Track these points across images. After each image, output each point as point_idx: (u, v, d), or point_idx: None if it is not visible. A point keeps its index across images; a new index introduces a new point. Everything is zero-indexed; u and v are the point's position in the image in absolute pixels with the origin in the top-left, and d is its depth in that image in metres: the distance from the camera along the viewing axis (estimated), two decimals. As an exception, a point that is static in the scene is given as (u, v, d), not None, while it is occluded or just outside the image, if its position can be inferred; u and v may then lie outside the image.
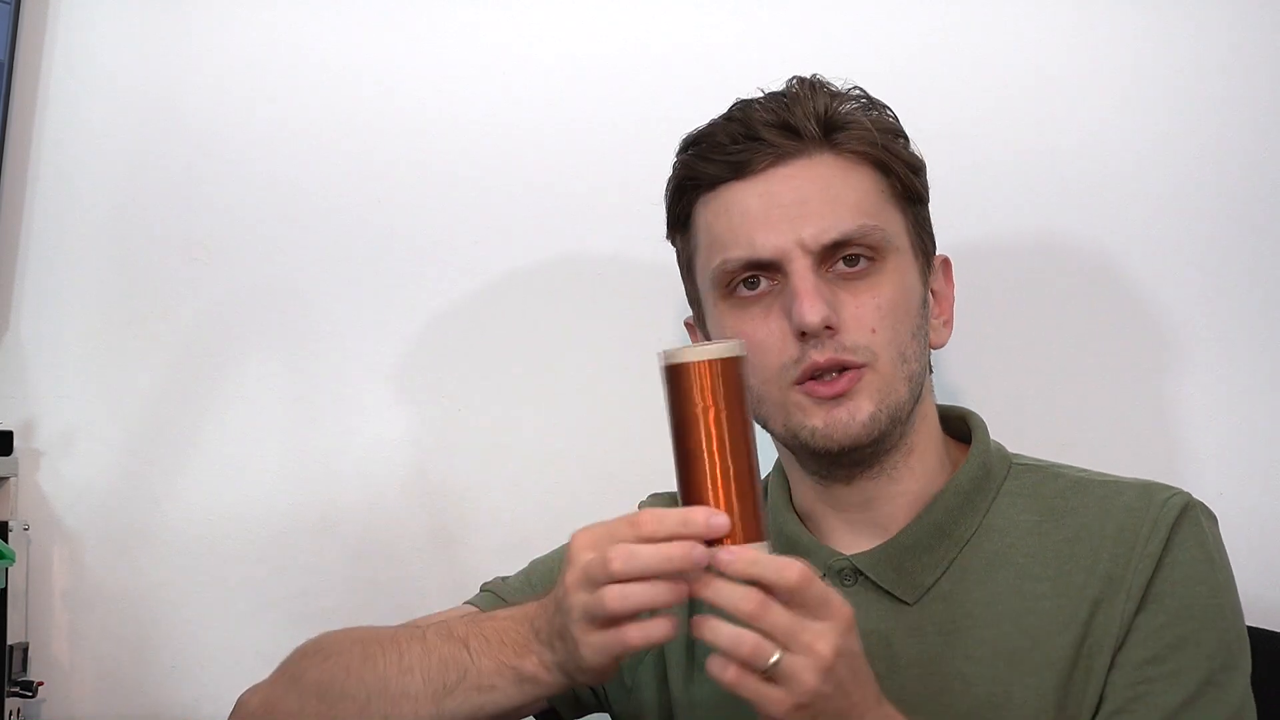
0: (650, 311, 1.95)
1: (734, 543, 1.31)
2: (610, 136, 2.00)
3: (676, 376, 1.34)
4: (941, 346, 1.58)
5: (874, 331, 1.49)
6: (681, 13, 2.00)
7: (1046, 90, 1.93)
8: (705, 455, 1.33)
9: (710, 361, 1.33)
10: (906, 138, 1.56)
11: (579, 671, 1.34)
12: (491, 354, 2.01)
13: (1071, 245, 1.92)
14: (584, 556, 1.32)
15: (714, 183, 1.53)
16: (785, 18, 1.98)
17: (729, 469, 1.33)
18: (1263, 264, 1.90)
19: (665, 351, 1.34)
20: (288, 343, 2.04)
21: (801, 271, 1.48)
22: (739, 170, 1.51)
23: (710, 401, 1.33)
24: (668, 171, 1.61)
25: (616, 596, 1.29)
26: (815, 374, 1.48)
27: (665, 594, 1.29)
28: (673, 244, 1.61)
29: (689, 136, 1.57)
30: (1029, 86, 1.93)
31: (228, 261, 2.05)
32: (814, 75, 1.54)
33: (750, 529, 1.32)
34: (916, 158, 1.56)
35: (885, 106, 1.56)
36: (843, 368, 1.48)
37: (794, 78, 1.55)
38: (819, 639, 1.28)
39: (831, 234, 1.49)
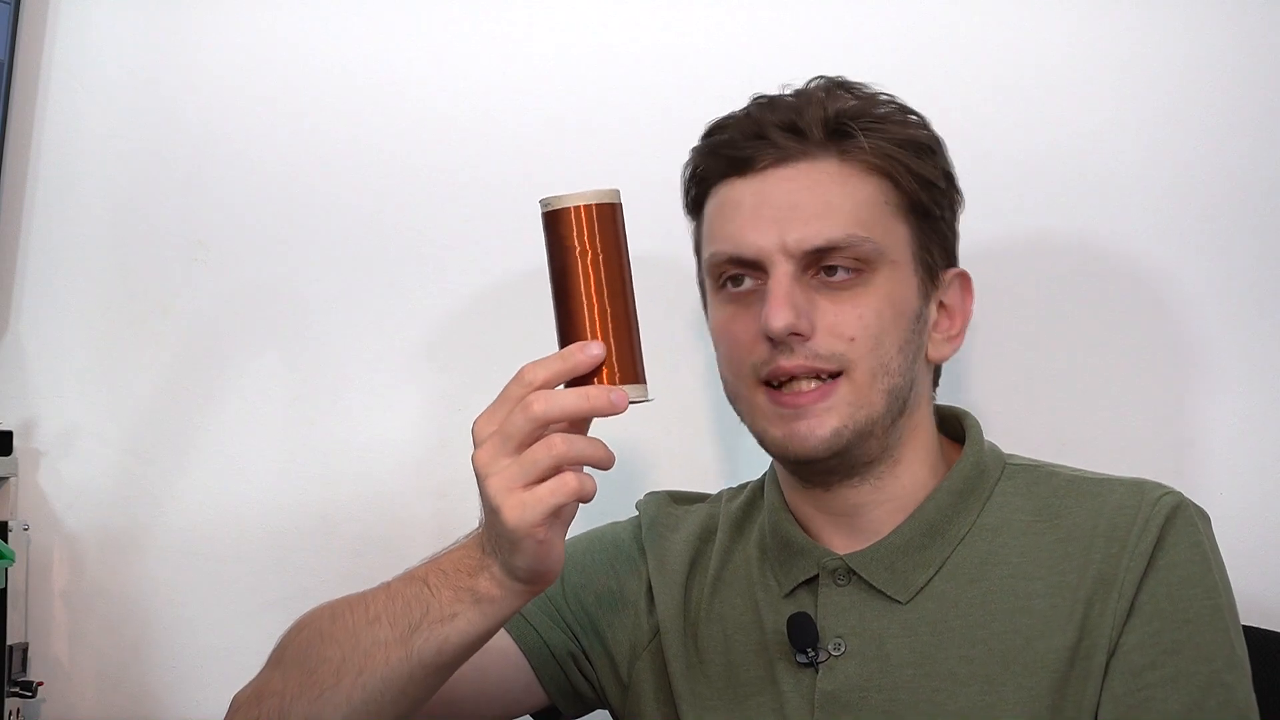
0: (651, 312, 1.95)
1: (612, 383, 1.33)
2: (613, 137, 2.00)
3: (555, 222, 1.35)
4: (942, 361, 1.57)
5: (852, 340, 1.48)
6: (687, 12, 1.99)
7: (1051, 83, 1.92)
8: (583, 298, 1.34)
9: (587, 206, 1.34)
10: (935, 150, 1.54)
11: (514, 559, 1.33)
12: (492, 354, 2.01)
13: (1072, 243, 1.92)
14: (484, 431, 1.32)
15: (721, 176, 1.54)
16: (784, 17, 1.97)
17: (606, 311, 1.34)
18: (1267, 261, 1.89)
19: (543, 199, 1.35)
20: (287, 342, 2.05)
21: (779, 275, 1.48)
22: (741, 166, 1.52)
23: (588, 245, 1.34)
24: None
25: (560, 442, 1.30)
26: (781, 379, 1.49)
27: (602, 451, 1.32)
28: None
29: (710, 124, 1.57)
30: (1033, 80, 1.92)
31: (228, 261, 2.05)
32: (839, 76, 1.54)
33: (628, 371, 1.34)
34: (936, 172, 1.54)
35: (913, 113, 1.55)
36: (815, 374, 1.48)
37: (818, 77, 1.54)
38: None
39: (815, 240, 1.48)
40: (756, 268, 1.49)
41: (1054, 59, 1.92)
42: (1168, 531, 1.47)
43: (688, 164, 1.58)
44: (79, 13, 2.07)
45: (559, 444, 1.30)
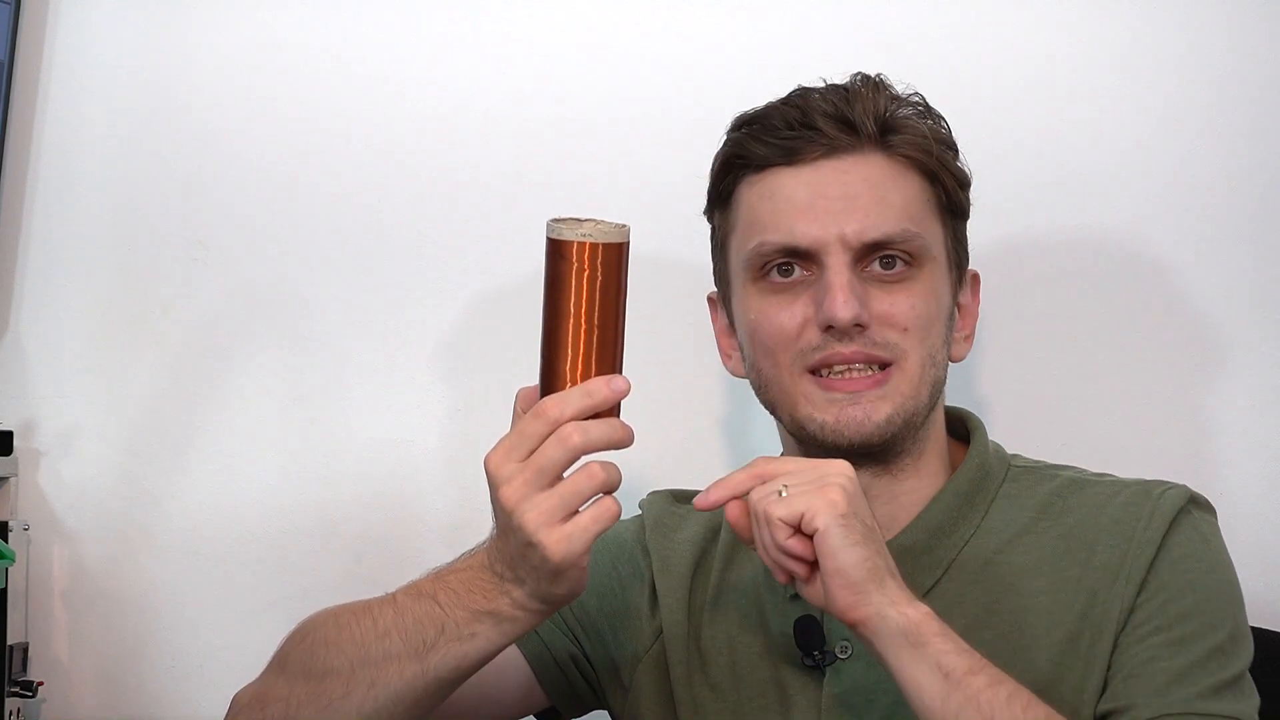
0: (653, 312, 1.95)
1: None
2: (613, 137, 2.00)
3: (559, 252, 1.32)
4: (959, 360, 1.58)
5: (905, 330, 1.50)
6: (688, 13, 1.99)
7: (1057, 74, 1.93)
8: (582, 325, 1.32)
9: (593, 244, 1.32)
10: (957, 151, 1.56)
11: (554, 588, 1.34)
12: (492, 354, 2.01)
13: (1073, 240, 1.92)
14: (507, 468, 1.32)
15: (762, 165, 1.53)
16: (784, 18, 1.97)
17: (605, 339, 1.33)
18: (1262, 257, 1.90)
19: (551, 222, 1.33)
20: (288, 342, 2.04)
21: (837, 266, 1.49)
22: (790, 156, 1.51)
23: (585, 284, 1.32)
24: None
25: (599, 469, 1.31)
26: (834, 365, 1.49)
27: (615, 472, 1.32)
28: (709, 220, 1.61)
29: (742, 116, 1.56)
30: (1039, 72, 1.93)
31: (228, 261, 2.05)
32: (878, 75, 1.54)
33: (614, 407, 1.34)
34: (964, 173, 1.56)
35: (941, 117, 1.56)
36: (870, 362, 1.49)
37: (858, 74, 1.54)
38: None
39: (873, 233, 1.49)
40: (808, 259, 1.50)
41: (1069, 48, 1.92)
42: (1175, 523, 1.48)
43: (719, 155, 1.57)
44: (79, 13, 2.06)
45: (599, 471, 1.31)
